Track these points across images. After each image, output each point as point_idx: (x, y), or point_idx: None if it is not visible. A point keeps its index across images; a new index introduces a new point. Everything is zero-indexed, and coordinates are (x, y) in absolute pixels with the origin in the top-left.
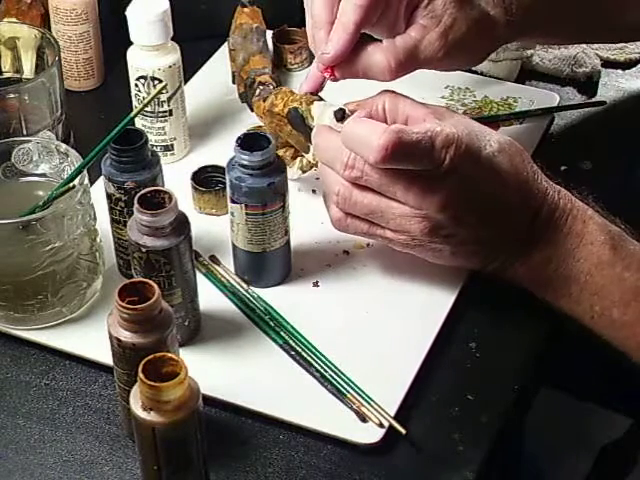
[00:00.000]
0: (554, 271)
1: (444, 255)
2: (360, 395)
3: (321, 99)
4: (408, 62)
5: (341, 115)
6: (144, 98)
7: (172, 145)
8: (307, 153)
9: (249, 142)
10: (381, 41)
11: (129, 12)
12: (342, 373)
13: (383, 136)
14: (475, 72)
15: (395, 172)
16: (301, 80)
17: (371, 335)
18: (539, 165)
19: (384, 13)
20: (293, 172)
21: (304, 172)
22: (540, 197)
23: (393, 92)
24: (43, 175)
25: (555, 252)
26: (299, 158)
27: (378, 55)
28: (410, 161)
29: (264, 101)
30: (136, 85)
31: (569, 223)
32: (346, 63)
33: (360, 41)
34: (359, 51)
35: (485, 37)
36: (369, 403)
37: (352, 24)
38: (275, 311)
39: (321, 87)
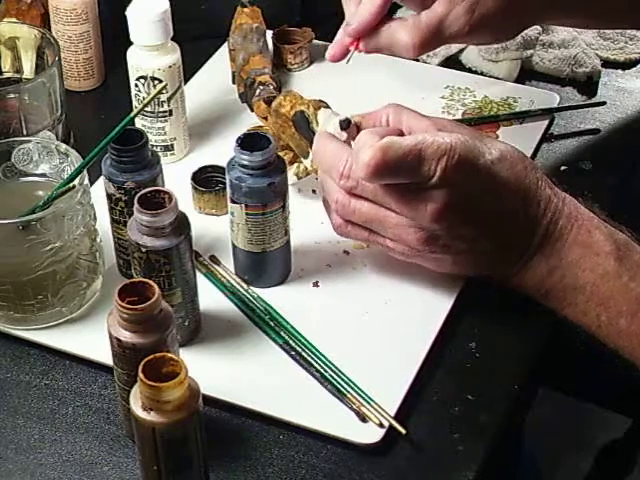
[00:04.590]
0: (559, 281)
1: (446, 264)
2: (360, 395)
3: (328, 107)
4: (433, 39)
5: (346, 124)
6: (144, 98)
7: (172, 145)
8: (306, 159)
9: (249, 142)
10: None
11: (129, 12)
12: (342, 373)
13: (367, 152)
14: (475, 72)
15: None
16: (301, 80)
17: (371, 335)
18: (543, 171)
19: None
20: (289, 177)
21: (299, 178)
22: (543, 205)
23: (397, 105)
24: (43, 175)
25: (560, 262)
26: (297, 164)
27: (403, 33)
28: (397, 176)
29: (265, 101)
30: (136, 85)
31: (574, 232)
32: (371, 38)
33: (387, 17)
34: (385, 27)
35: (513, 14)
36: (369, 403)
37: (380, 0)
38: (275, 311)
39: (346, 55)
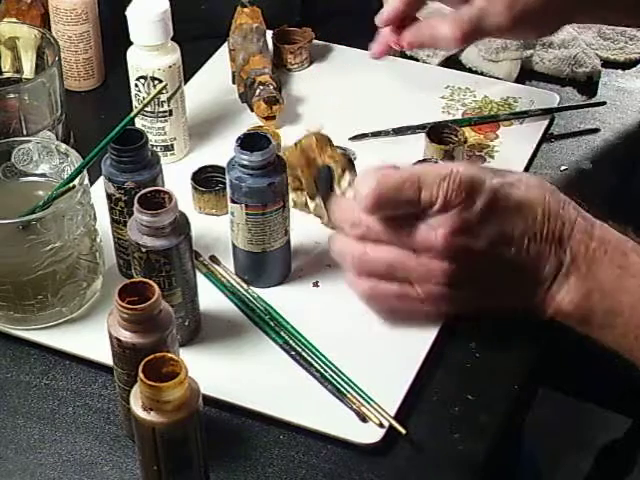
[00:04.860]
0: (596, 304)
1: (486, 297)
2: (360, 395)
3: (353, 166)
4: (473, 32)
5: None
6: (144, 98)
7: (172, 145)
8: (311, 198)
9: (249, 142)
10: None
11: (129, 12)
12: (342, 373)
13: (366, 183)
14: (475, 72)
15: (396, 219)
16: (301, 80)
17: (371, 335)
18: (566, 193)
19: None
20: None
21: (294, 205)
22: (569, 226)
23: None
24: (43, 175)
25: (596, 284)
26: (298, 192)
27: (444, 26)
28: (398, 205)
29: (264, 101)
30: (136, 85)
31: (609, 254)
32: (412, 33)
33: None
34: (425, 22)
35: (554, 10)
36: (369, 403)
37: None
38: (275, 311)
39: (387, 52)
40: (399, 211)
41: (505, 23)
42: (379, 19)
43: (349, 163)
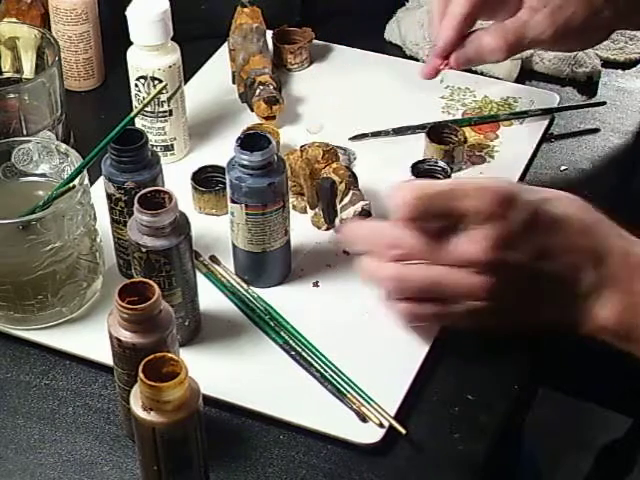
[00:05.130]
0: (638, 319)
1: (527, 311)
2: (360, 395)
3: (357, 186)
4: (517, 43)
5: (366, 214)
6: (144, 98)
7: (172, 145)
8: (310, 207)
9: (249, 142)
10: None
11: (129, 12)
12: (342, 373)
13: (403, 192)
14: (475, 72)
15: (436, 235)
16: (301, 80)
17: (371, 335)
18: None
19: (504, 3)
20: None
21: (294, 208)
22: (606, 243)
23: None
24: (43, 175)
25: (636, 299)
26: (299, 197)
27: (487, 37)
28: (434, 214)
29: (264, 101)
30: (136, 85)
31: None
32: (459, 52)
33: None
34: (468, 39)
35: (596, 25)
36: (369, 403)
37: (459, 15)
38: (275, 311)
39: (437, 73)
40: (434, 223)
41: (548, 36)
42: (436, 52)
43: (354, 180)
